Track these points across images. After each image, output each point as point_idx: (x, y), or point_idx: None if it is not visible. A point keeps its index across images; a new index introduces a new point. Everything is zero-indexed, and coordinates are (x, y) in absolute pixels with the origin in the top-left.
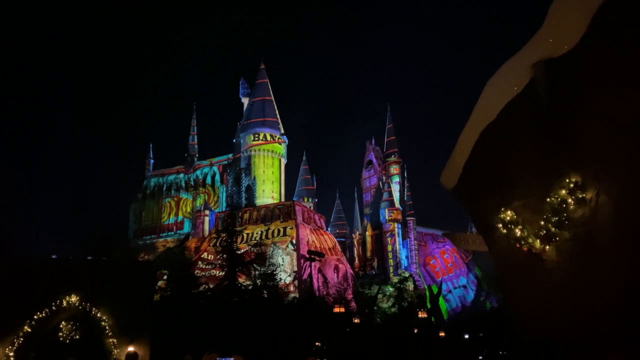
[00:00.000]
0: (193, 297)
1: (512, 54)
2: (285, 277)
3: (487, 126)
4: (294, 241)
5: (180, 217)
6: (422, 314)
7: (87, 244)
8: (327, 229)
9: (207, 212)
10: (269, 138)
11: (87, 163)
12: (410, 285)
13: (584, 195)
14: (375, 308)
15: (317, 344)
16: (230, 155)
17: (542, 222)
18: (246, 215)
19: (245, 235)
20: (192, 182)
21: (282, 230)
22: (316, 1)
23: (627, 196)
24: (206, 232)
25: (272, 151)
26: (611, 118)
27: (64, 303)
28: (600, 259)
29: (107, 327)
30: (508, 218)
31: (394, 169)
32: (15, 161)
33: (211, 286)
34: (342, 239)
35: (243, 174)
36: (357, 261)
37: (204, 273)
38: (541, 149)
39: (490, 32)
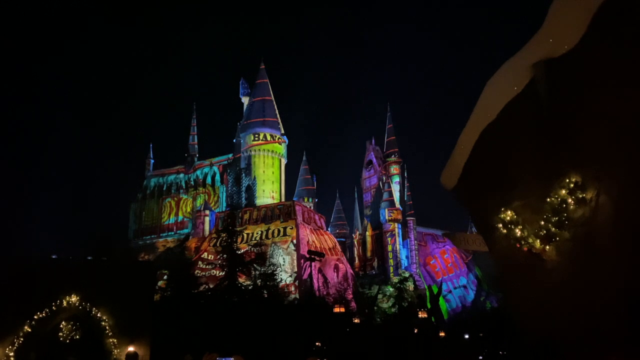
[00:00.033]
0: (193, 297)
1: (512, 54)
2: (285, 277)
3: (487, 126)
4: (294, 241)
5: (180, 217)
6: (422, 314)
7: (87, 244)
8: (327, 229)
9: (207, 212)
10: (269, 138)
11: (87, 163)
12: (410, 285)
13: (584, 195)
14: (375, 308)
15: (317, 344)
16: (230, 155)
17: (542, 222)
18: (246, 215)
19: (245, 235)
20: (192, 182)
21: (282, 230)
22: (316, 1)
23: (627, 196)
24: (206, 232)
25: (272, 151)
26: (611, 118)
27: (64, 303)
28: (600, 259)
29: (107, 327)
30: (508, 218)
31: (394, 169)
32: (15, 161)
33: (211, 286)
34: (342, 239)
35: (243, 174)
36: (357, 261)
37: (204, 273)
38: (541, 149)
39: (490, 32)
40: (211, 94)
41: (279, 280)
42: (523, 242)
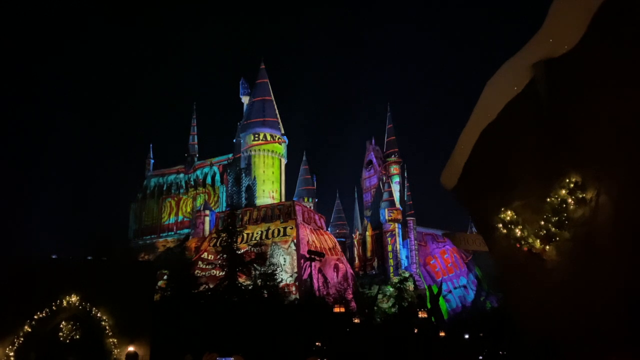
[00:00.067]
0: (193, 297)
1: (512, 54)
2: (285, 277)
3: (487, 126)
4: (294, 241)
5: (180, 217)
6: (422, 314)
7: (87, 244)
8: (327, 229)
9: (207, 212)
10: (269, 138)
11: (87, 163)
12: (410, 285)
13: (584, 195)
14: (375, 308)
15: (317, 344)
16: (230, 155)
17: (542, 222)
18: (246, 216)
19: (245, 235)
20: (192, 182)
21: (282, 230)
22: (316, 1)
23: (627, 196)
24: (206, 232)
25: (272, 151)
26: (611, 118)
27: (64, 303)
28: (600, 259)
29: (107, 327)
30: (508, 218)
31: (394, 169)
32: (15, 161)
33: (211, 286)
34: (342, 239)
35: (243, 174)
36: (357, 261)
37: (204, 273)
38: (541, 149)
39: (490, 32)
40: (211, 94)
41: (279, 280)
42: (523, 242)
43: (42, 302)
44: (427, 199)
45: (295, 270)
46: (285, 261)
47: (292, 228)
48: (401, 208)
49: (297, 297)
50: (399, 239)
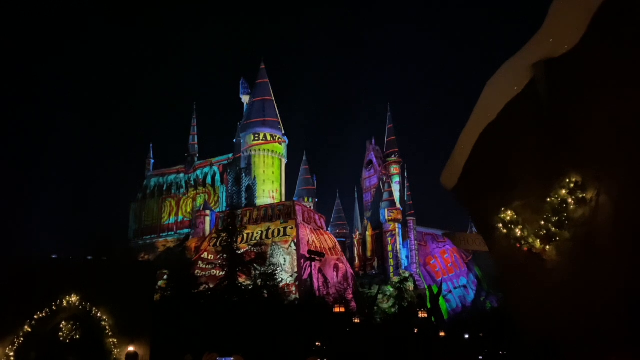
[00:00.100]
0: (193, 297)
1: (512, 54)
2: (286, 277)
3: (487, 126)
4: (294, 241)
5: (181, 217)
6: (422, 314)
7: (87, 244)
8: (327, 229)
9: (207, 212)
10: (269, 138)
11: (87, 163)
12: (410, 285)
13: (584, 195)
14: (375, 308)
15: (317, 343)
16: (231, 155)
17: (543, 222)
18: (246, 216)
19: (245, 235)
20: (192, 182)
21: (282, 230)
22: (316, 1)
23: (627, 196)
24: (206, 232)
25: (272, 151)
26: (611, 118)
27: (64, 303)
28: (600, 259)
29: (107, 327)
30: (508, 218)
31: (394, 169)
32: (15, 161)
33: (211, 286)
34: (342, 239)
35: (243, 174)
36: (357, 261)
37: (204, 273)
38: (541, 149)
39: (490, 32)
40: (211, 94)
41: (279, 280)
42: (523, 242)
43: (42, 302)
44: (427, 199)
45: (295, 270)
46: (285, 261)
47: (292, 228)
48: (401, 208)
49: (297, 297)
50: (399, 239)
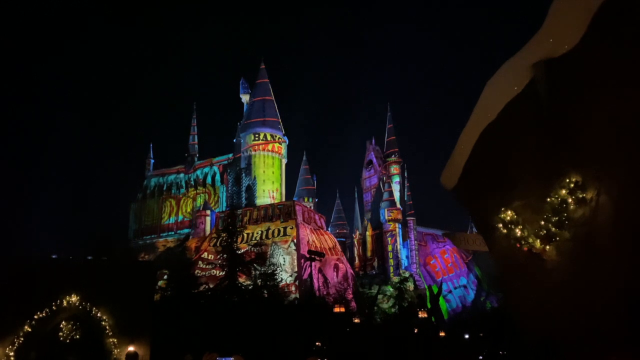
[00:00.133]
0: (193, 297)
1: (512, 54)
2: (285, 277)
3: (487, 126)
4: (294, 241)
5: (181, 217)
6: (422, 314)
7: (87, 244)
8: (327, 229)
9: (207, 212)
10: (269, 138)
11: (87, 163)
12: (410, 285)
13: (584, 195)
14: (375, 308)
15: (317, 343)
16: (231, 155)
17: (542, 222)
18: (246, 216)
19: (245, 235)
20: (192, 182)
21: (282, 230)
22: (316, 1)
23: (627, 196)
24: (206, 232)
25: (272, 151)
26: (611, 118)
27: (64, 303)
28: (600, 259)
29: (107, 327)
30: (508, 218)
31: (394, 169)
32: (15, 161)
33: (211, 286)
34: (342, 239)
35: (243, 174)
36: (357, 261)
37: (204, 273)
38: (541, 149)
39: (490, 32)
40: (211, 94)
41: (279, 280)
42: (523, 242)
43: (42, 302)
44: (427, 199)
45: (295, 270)
46: (285, 261)
47: (292, 228)
48: (401, 208)
49: (297, 297)
50: (399, 239)
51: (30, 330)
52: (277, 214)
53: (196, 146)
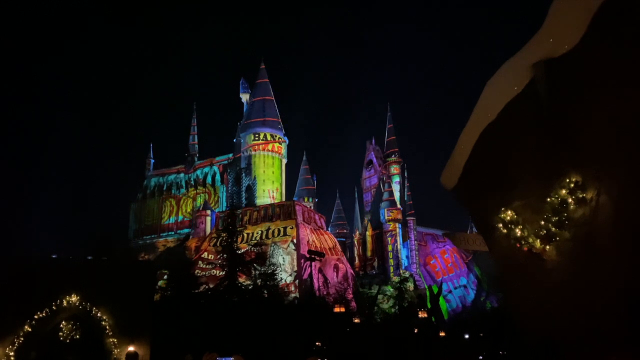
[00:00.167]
0: (193, 297)
1: (512, 54)
2: (285, 277)
3: (487, 126)
4: (294, 241)
5: (181, 217)
6: (422, 314)
7: (87, 244)
8: (327, 229)
9: (207, 211)
10: (269, 138)
11: (87, 163)
12: (410, 285)
13: (584, 195)
14: (375, 308)
15: (317, 343)
16: (231, 155)
17: (543, 222)
18: (246, 215)
19: (245, 235)
20: (192, 182)
21: (282, 230)
22: (316, 1)
23: (627, 196)
24: (206, 232)
25: (273, 151)
26: (611, 118)
27: (64, 303)
28: (600, 259)
29: (107, 327)
30: (508, 218)
31: (394, 169)
32: (15, 161)
33: (211, 286)
34: (342, 239)
35: (243, 174)
36: (357, 261)
37: (204, 273)
38: (541, 149)
39: (490, 32)
40: (211, 94)
41: (279, 280)
42: (523, 242)
43: (42, 302)
44: (427, 199)
45: (295, 270)
46: (285, 261)
47: (292, 228)
48: (401, 208)
49: (297, 297)
50: (399, 239)
51: (30, 330)
52: (277, 214)
53: (196, 146)
